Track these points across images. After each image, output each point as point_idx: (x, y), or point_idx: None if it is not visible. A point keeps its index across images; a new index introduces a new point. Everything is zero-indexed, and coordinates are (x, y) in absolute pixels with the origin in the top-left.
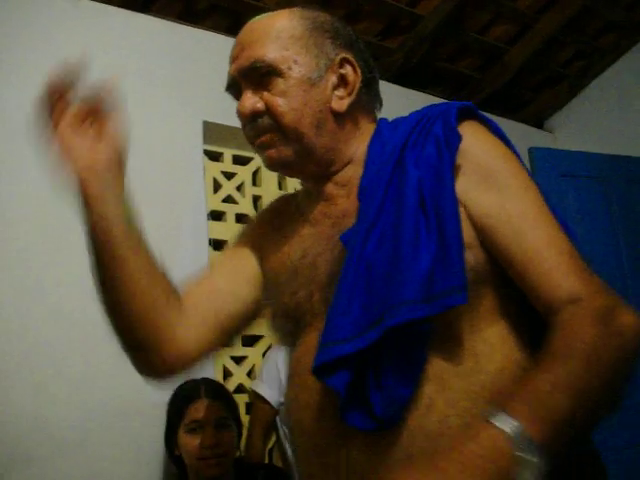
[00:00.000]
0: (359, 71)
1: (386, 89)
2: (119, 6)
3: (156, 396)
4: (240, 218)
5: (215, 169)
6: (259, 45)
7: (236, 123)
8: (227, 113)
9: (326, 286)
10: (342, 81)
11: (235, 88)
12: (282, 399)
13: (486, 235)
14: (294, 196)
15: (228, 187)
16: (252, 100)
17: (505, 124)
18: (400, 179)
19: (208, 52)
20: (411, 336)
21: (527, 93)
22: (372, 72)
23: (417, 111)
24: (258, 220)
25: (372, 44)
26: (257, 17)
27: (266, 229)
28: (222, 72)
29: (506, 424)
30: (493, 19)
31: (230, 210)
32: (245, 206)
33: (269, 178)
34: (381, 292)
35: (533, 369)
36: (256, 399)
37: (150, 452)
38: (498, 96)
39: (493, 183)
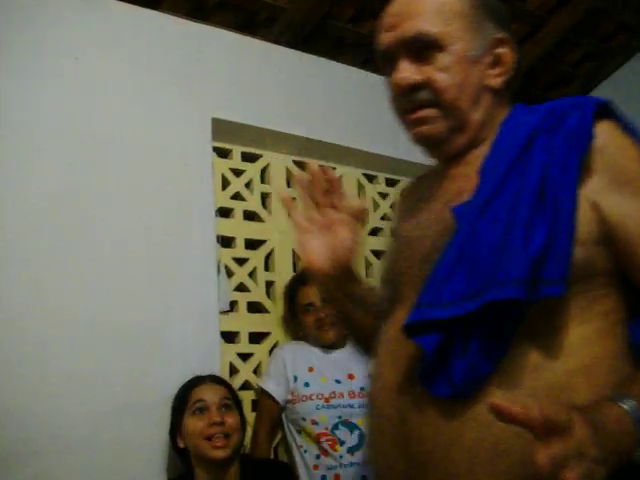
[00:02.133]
0: (514, 52)
1: None
2: (129, 2)
3: (162, 393)
4: (248, 215)
5: (224, 166)
6: (422, 18)
7: (245, 120)
8: (236, 110)
9: (427, 259)
10: (497, 60)
11: (387, 58)
12: (288, 396)
13: (616, 235)
14: (427, 175)
15: (237, 184)
16: (411, 71)
17: None
18: (525, 162)
19: (217, 49)
20: (505, 316)
21: (537, 93)
22: (518, 60)
23: (554, 100)
24: (398, 202)
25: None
26: None
27: (401, 207)
28: (231, 69)
29: (631, 406)
30: None
31: (238, 207)
32: (253, 203)
33: (278, 175)
34: (487, 267)
35: None
36: (262, 395)
37: (155, 448)
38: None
39: (628, 186)
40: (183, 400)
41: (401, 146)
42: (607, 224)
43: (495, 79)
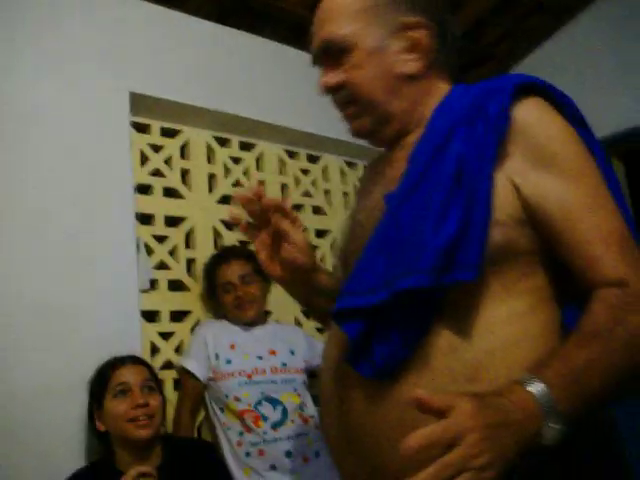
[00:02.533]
0: (431, 32)
1: None
2: None
3: (81, 373)
4: (168, 192)
5: (142, 141)
6: (327, 25)
7: (164, 94)
8: (155, 84)
9: (364, 246)
10: (413, 44)
11: (316, 63)
12: (211, 374)
13: (538, 215)
14: (380, 156)
15: (156, 160)
16: (329, 76)
17: None
18: (445, 152)
19: (136, 21)
20: (421, 302)
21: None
22: (450, 33)
23: (485, 81)
24: (360, 180)
25: (304, 17)
26: None
27: (359, 187)
28: (150, 42)
29: (542, 395)
30: None
31: (157, 183)
32: (173, 180)
33: (198, 151)
34: (401, 256)
35: (571, 342)
36: (184, 375)
37: (74, 431)
38: None
39: (550, 165)
40: (103, 383)
41: (323, 122)
42: (529, 205)
43: (410, 64)
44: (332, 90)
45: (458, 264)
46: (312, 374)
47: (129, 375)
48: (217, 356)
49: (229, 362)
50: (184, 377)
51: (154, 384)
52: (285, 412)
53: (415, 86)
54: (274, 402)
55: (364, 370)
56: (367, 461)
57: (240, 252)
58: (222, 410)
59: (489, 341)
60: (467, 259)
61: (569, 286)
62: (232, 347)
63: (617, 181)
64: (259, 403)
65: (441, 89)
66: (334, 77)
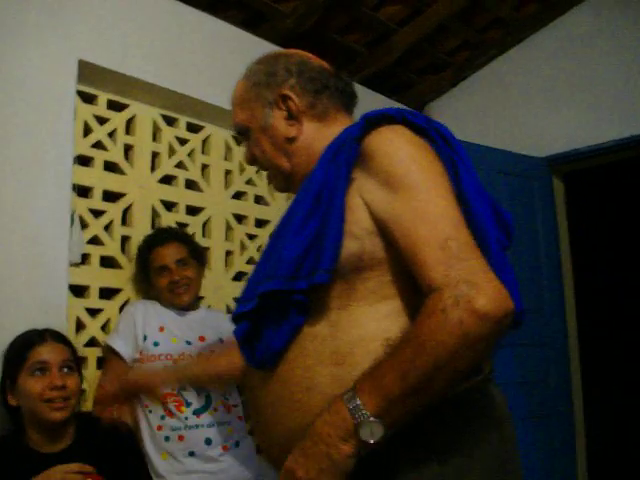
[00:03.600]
0: (298, 97)
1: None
2: None
3: (2, 342)
4: (109, 166)
5: (87, 112)
6: (233, 112)
7: (114, 66)
8: (106, 54)
9: None
10: (289, 111)
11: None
12: (137, 355)
13: (383, 229)
14: None
15: (99, 132)
16: (245, 153)
17: (386, 104)
18: (311, 179)
19: None
20: (286, 304)
21: (411, 76)
22: (323, 83)
23: (347, 128)
24: None
25: (265, 4)
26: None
27: None
28: (105, 12)
29: (350, 400)
30: None
31: (99, 156)
32: (115, 154)
33: (144, 127)
34: (267, 268)
35: (387, 349)
36: (109, 353)
37: None
38: (383, 75)
39: (391, 184)
40: (20, 359)
41: None
42: (379, 221)
43: (290, 129)
44: (250, 163)
45: (312, 270)
46: None
47: (49, 353)
48: (145, 337)
49: (156, 344)
50: (109, 356)
51: (74, 364)
52: (209, 399)
53: (302, 142)
54: (199, 388)
55: (251, 362)
56: (265, 432)
57: (176, 234)
58: None
59: (352, 335)
60: (321, 265)
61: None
62: (161, 329)
63: (478, 188)
64: (183, 388)
65: (332, 131)
66: (247, 154)
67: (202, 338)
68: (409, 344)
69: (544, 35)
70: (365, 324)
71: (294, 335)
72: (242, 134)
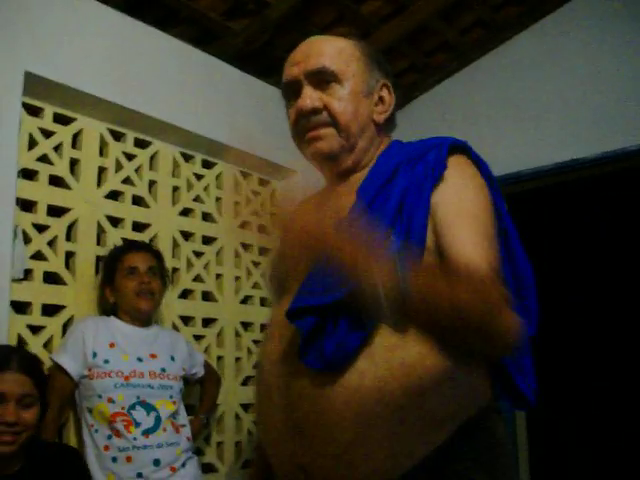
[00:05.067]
0: (393, 96)
1: (225, 70)
2: None
3: None
4: (54, 180)
5: (33, 125)
6: (325, 56)
7: (61, 79)
8: (53, 66)
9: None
10: (380, 101)
11: (292, 87)
12: (85, 372)
13: (435, 224)
14: (314, 195)
15: (45, 146)
16: (314, 98)
17: None
18: (389, 190)
19: (43, 3)
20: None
21: None
22: (396, 102)
23: (422, 140)
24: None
25: (215, 22)
26: (317, 36)
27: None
28: (53, 23)
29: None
30: (337, 19)
31: (44, 170)
32: (61, 168)
33: (90, 142)
34: None
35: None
36: (55, 370)
37: None
38: None
39: (459, 195)
40: None
41: (220, 128)
42: (436, 217)
43: (379, 115)
44: (313, 111)
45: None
46: (187, 382)
47: (8, 385)
48: (95, 354)
49: (107, 362)
50: (55, 373)
51: (36, 399)
52: (158, 419)
53: (375, 133)
54: (148, 408)
55: (315, 363)
56: (314, 441)
57: (149, 247)
58: (90, 411)
59: (423, 346)
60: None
61: None
62: (111, 345)
63: (512, 229)
64: (132, 407)
65: (386, 141)
66: (319, 100)
67: (153, 355)
68: (435, 278)
69: (489, 59)
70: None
71: (366, 339)
72: (319, 77)
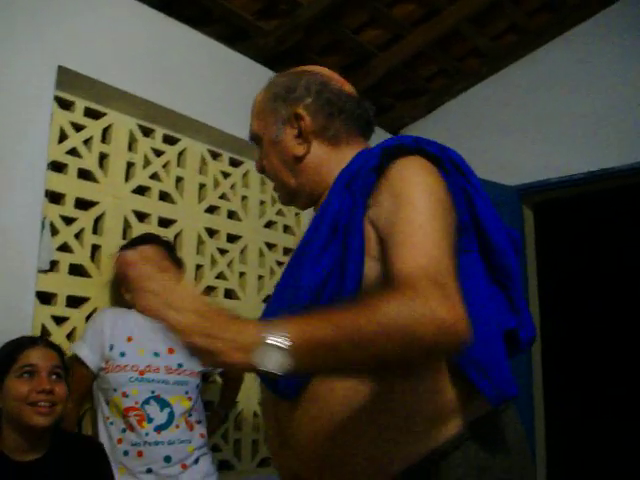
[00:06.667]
0: (310, 118)
1: (256, 70)
2: None
3: None
4: (82, 173)
5: (64, 118)
6: (253, 119)
7: (93, 74)
8: (86, 61)
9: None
10: (300, 131)
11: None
12: (103, 364)
13: (380, 236)
14: None
15: (75, 139)
16: (256, 162)
17: None
18: (325, 207)
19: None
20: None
21: (388, 100)
22: (340, 107)
23: (378, 144)
24: None
25: (247, 21)
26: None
27: None
28: (88, 19)
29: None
30: (369, 21)
31: (73, 163)
32: (89, 161)
33: (120, 136)
34: (287, 297)
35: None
36: (75, 362)
37: None
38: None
39: (398, 201)
40: (9, 359)
41: (248, 127)
42: (378, 230)
43: (298, 148)
44: (259, 172)
45: (334, 295)
46: (206, 378)
47: (38, 358)
48: (112, 347)
49: (123, 355)
50: (74, 365)
51: (62, 372)
52: (172, 416)
53: (309, 162)
54: (163, 403)
55: (276, 391)
56: (300, 456)
57: (157, 239)
58: (107, 403)
59: None
60: (343, 292)
61: None
62: (129, 339)
63: (493, 214)
64: (147, 402)
65: (343, 155)
66: (258, 163)
67: (171, 350)
68: (357, 312)
69: (519, 67)
70: None
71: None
72: (255, 142)
